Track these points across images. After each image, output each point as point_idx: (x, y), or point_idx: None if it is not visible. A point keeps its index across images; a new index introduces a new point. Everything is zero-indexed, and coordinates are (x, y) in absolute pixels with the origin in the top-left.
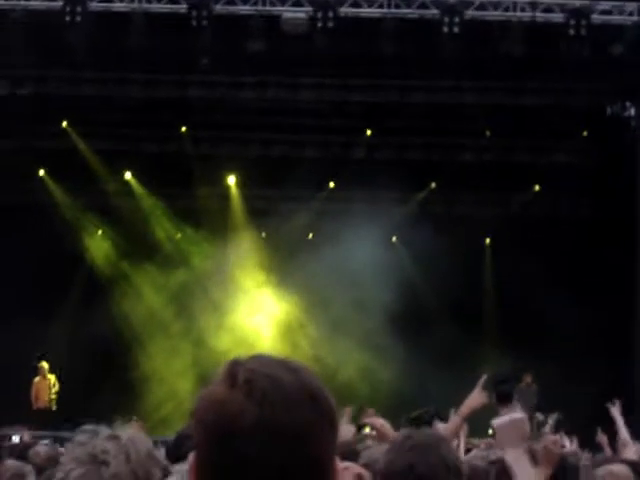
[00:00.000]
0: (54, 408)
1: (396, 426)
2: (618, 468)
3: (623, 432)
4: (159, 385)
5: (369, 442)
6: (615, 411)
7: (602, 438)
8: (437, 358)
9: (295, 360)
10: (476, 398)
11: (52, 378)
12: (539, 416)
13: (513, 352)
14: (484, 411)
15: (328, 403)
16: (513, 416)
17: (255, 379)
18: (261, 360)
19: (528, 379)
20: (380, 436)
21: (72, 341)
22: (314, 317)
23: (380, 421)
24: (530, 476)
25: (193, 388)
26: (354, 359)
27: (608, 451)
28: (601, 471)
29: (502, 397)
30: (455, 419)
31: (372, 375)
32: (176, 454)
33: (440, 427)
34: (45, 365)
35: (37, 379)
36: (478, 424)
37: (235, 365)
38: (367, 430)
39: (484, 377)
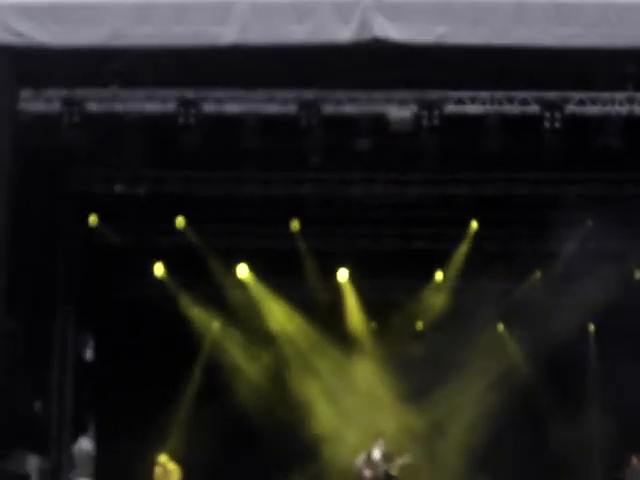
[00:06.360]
0: None
1: None
2: None
3: None
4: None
5: None
6: None
7: None
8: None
9: None
10: None
11: (174, 467)
12: None
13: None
14: None
15: None
16: None
17: None
18: None
19: (635, 461)
20: None
21: (193, 429)
22: (421, 404)
23: None
24: None
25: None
26: (464, 450)
27: None
28: None
29: None
30: None
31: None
32: None
33: None
34: (164, 457)
35: (158, 471)
36: None
37: None
38: None
39: None
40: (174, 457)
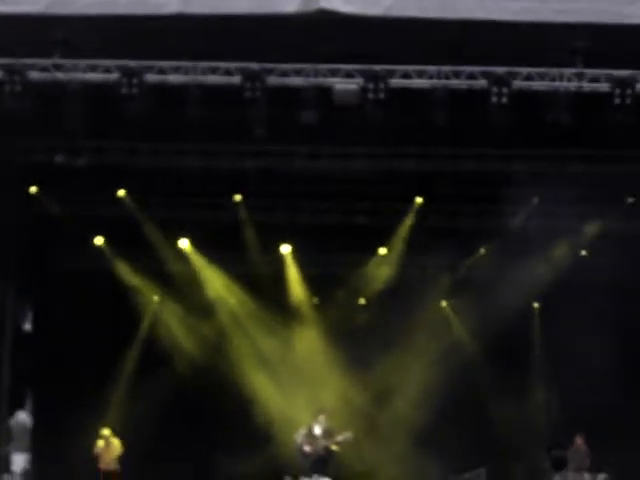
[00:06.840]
0: (118, 469)
1: None
2: None
3: None
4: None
5: None
6: None
7: None
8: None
9: None
10: None
11: (116, 442)
12: (587, 477)
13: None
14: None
15: None
16: None
17: None
18: None
19: (579, 441)
20: None
21: (133, 403)
22: (364, 380)
23: None
24: None
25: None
26: (407, 427)
27: None
28: None
29: (557, 463)
30: None
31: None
32: None
33: None
34: (107, 430)
35: (100, 443)
36: None
37: None
38: None
39: None
40: (114, 432)
